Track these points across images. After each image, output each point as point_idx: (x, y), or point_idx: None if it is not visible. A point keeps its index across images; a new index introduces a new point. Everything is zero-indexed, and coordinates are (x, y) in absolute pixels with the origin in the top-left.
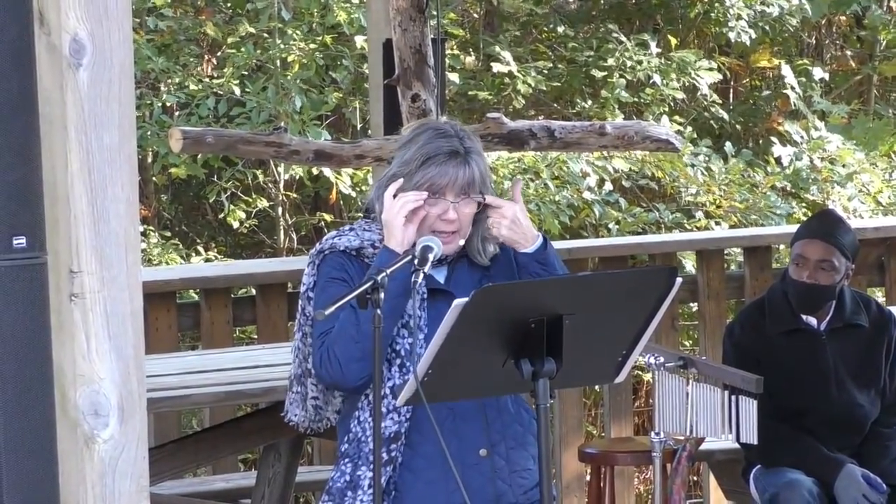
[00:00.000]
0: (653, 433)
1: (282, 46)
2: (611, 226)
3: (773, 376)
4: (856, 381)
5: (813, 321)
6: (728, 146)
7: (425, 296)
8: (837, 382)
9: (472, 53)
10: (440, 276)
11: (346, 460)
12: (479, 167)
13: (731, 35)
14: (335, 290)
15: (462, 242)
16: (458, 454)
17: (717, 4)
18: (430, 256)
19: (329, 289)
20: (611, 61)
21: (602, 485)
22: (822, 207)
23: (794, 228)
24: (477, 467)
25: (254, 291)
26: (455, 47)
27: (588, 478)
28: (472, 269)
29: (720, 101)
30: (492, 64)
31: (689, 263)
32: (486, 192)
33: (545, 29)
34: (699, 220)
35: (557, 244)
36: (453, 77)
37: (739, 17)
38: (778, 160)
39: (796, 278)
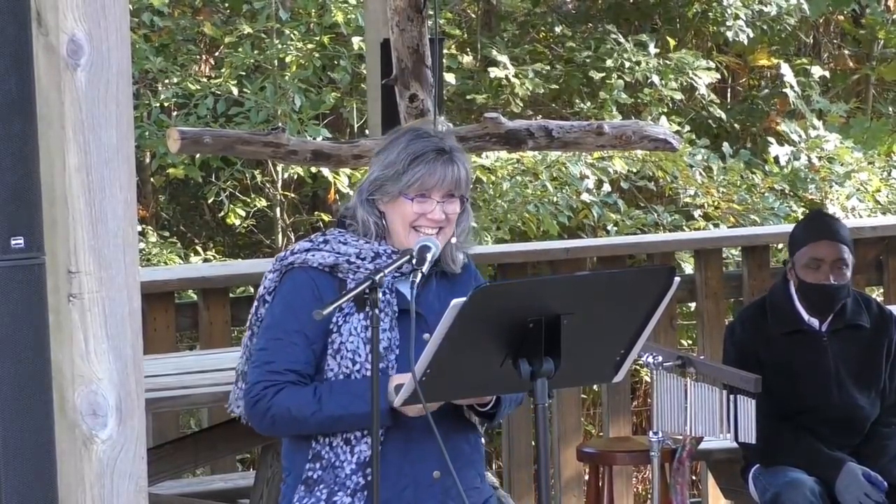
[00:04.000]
0: (651, 432)
1: (280, 46)
2: (609, 227)
3: (773, 376)
4: (856, 382)
5: (815, 322)
6: (726, 146)
7: (396, 315)
8: (838, 383)
9: (469, 53)
10: (409, 292)
11: (322, 486)
12: (464, 166)
13: (729, 34)
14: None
15: (451, 240)
16: (414, 477)
17: (714, 4)
18: (428, 256)
19: (285, 319)
20: (609, 62)
21: (600, 484)
22: (818, 208)
23: (791, 227)
24: (430, 489)
25: (252, 291)
26: (453, 47)
27: (586, 477)
28: (440, 287)
29: (718, 101)
30: (489, 69)
31: (689, 267)
32: (467, 194)
33: (543, 29)
34: (697, 221)
35: (556, 243)
36: (451, 77)
37: (737, 17)
38: (776, 160)
39: (814, 281)
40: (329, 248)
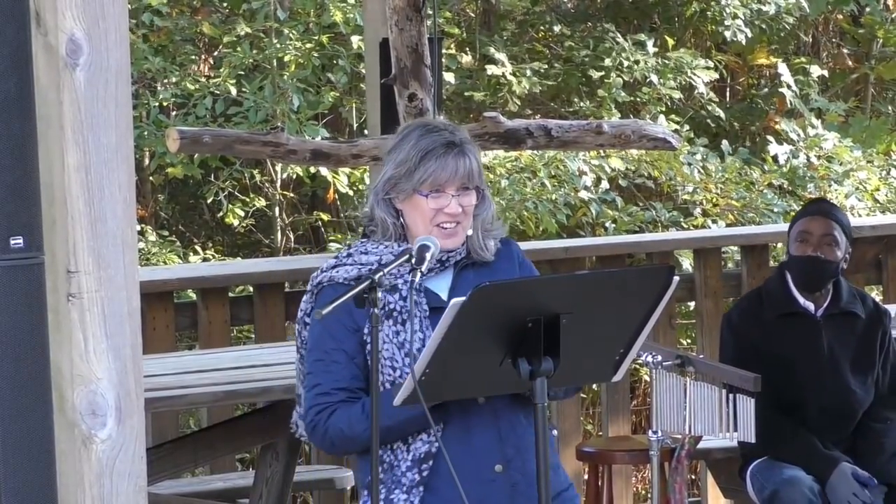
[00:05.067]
0: (650, 432)
1: (278, 46)
2: (608, 225)
3: (770, 362)
4: (850, 367)
5: (810, 306)
6: (725, 144)
7: (427, 314)
8: (832, 367)
9: (468, 53)
10: (443, 287)
11: (381, 487)
12: (475, 157)
13: (728, 34)
14: (328, 345)
15: (469, 233)
16: (474, 471)
17: (713, 3)
18: (428, 256)
19: (323, 339)
20: (608, 61)
21: (600, 483)
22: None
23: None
24: (493, 484)
25: (251, 291)
26: (452, 46)
27: (586, 477)
28: (479, 276)
29: (717, 100)
30: (487, 66)
31: (687, 262)
32: (482, 185)
33: (542, 28)
34: (696, 218)
35: (555, 243)
36: (450, 76)
37: (736, 16)
38: (774, 158)
39: (800, 254)
40: (352, 262)
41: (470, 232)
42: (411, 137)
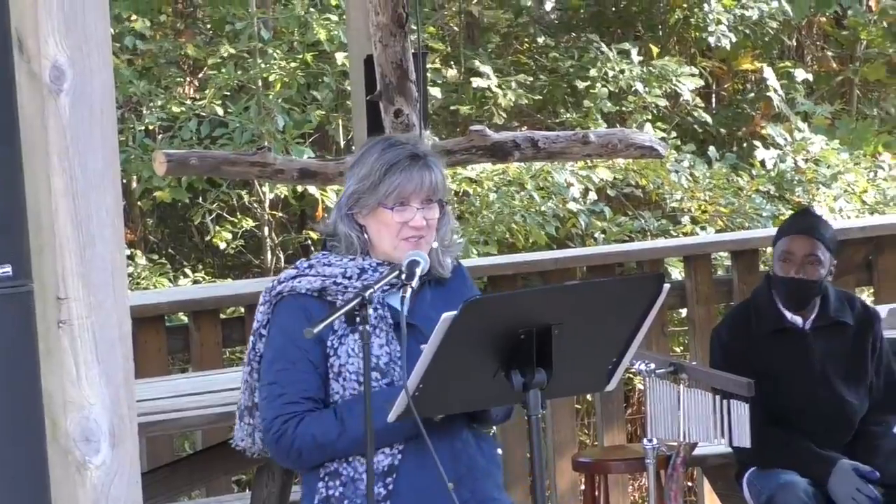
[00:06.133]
0: (646, 440)
1: (263, 66)
2: (597, 235)
3: (761, 377)
4: (843, 378)
5: (798, 320)
6: (712, 150)
7: (391, 329)
8: (824, 380)
9: (453, 66)
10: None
11: (346, 502)
12: (440, 170)
13: (712, 40)
14: (292, 354)
15: (434, 246)
16: (429, 487)
17: (696, 10)
18: (418, 271)
19: (287, 349)
20: (592, 71)
21: (597, 493)
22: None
23: None
24: (446, 501)
25: (243, 312)
26: (437, 61)
27: (583, 487)
28: (434, 295)
29: (703, 106)
30: (472, 80)
31: (676, 271)
32: (445, 198)
33: (526, 40)
34: (685, 225)
35: (544, 254)
36: (435, 91)
37: (719, 22)
38: (762, 163)
39: (783, 275)
40: (315, 273)
41: (435, 244)
42: (373, 152)
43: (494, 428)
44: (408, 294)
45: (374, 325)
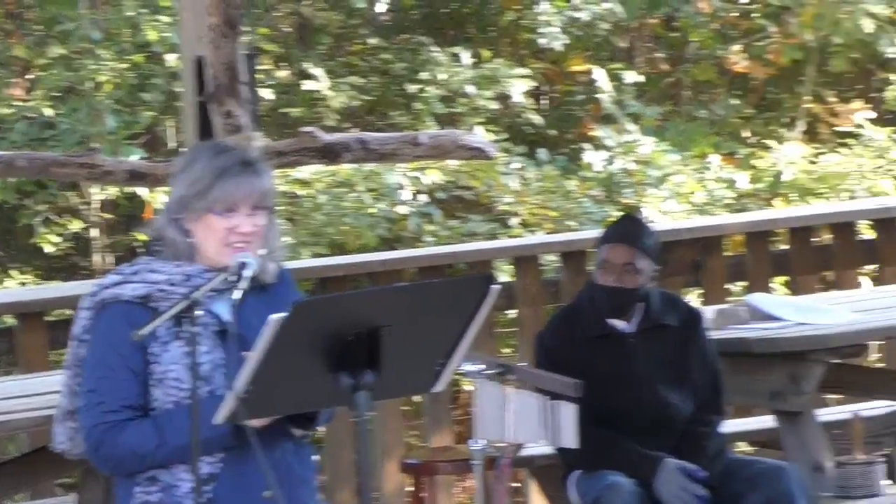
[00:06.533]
0: (472, 441)
1: (93, 67)
2: (427, 238)
3: (585, 381)
4: (667, 381)
5: (621, 324)
6: (542, 152)
7: (215, 335)
8: (648, 383)
9: (285, 68)
10: (225, 309)
11: None
12: (269, 178)
13: (543, 42)
14: (114, 362)
15: (261, 253)
16: (247, 495)
17: (527, 11)
18: (247, 273)
19: (108, 356)
20: (424, 74)
21: (423, 495)
22: (632, 211)
23: None
24: None
25: (69, 314)
26: (268, 62)
27: (410, 488)
28: (257, 301)
29: (534, 108)
30: (303, 82)
31: (505, 276)
32: (272, 206)
33: (358, 41)
34: (514, 229)
35: (373, 255)
36: (266, 92)
37: (550, 24)
38: (591, 165)
39: (602, 283)
40: (139, 279)
41: (263, 252)
42: (202, 157)
43: (319, 429)
44: (237, 296)
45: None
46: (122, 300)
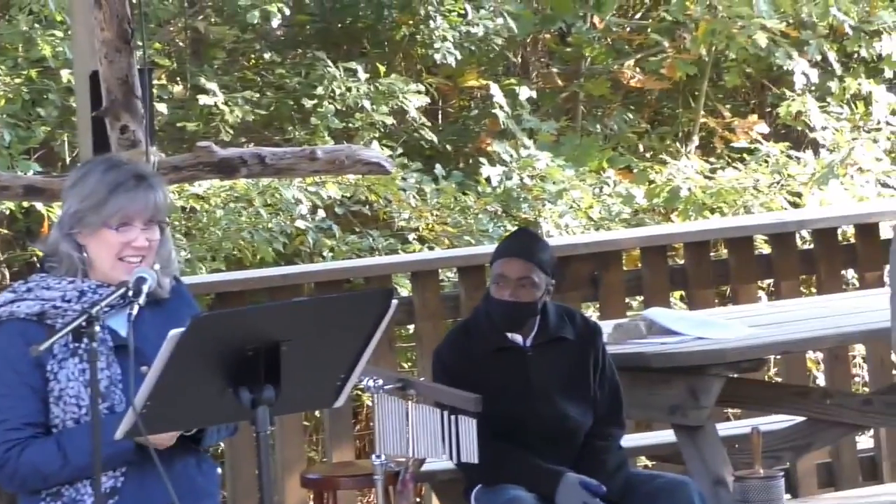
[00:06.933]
0: (374, 456)
1: None
2: (326, 253)
3: (483, 395)
4: (564, 394)
5: (518, 338)
6: (438, 168)
7: (112, 351)
8: (545, 397)
9: (179, 83)
10: (122, 325)
11: None
12: (163, 192)
13: (437, 57)
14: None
15: (155, 266)
16: None
17: (422, 27)
18: (145, 288)
19: (6, 375)
20: (319, 89)
21: None
22: (529, 226)
23: None
24: None
25: None
26: (163, 77)
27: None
28: (154, 316)
29: (430, 124)
30: (199, 96)
31: (405, 291)
32: (166, 220)
33: (252, 56)
34: (413, 245)
35: (272, 270)
36: (162, 107)
37: (445, 39)
38: (487, 180)
39: (498, 297)
40: (33, 296)
41: (158, 267)
42: (95, 172)
43: (221, 444)
44: (135, 311)
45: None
46: (17, 318)
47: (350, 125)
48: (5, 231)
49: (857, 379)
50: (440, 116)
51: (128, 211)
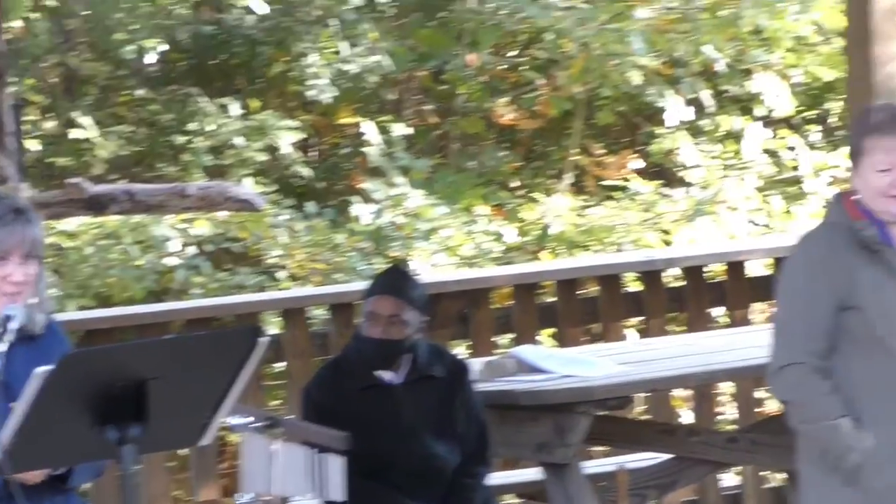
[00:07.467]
0: (239, 495)
1: None
2: (195, 290)
3: (353, 433)
4: (433, 432)
5: (388, 375)
6: (310, 205)
7: None
8: (414, 434)
9: (51, 119)
10: None
11: None
12: (40, 227)
13: (311, 93)
14: None
15: (34, 301)
16: None
17: (296, 63)
18: (13, 325)
19: None
20: (192, 125)
21: None
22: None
23: None
24: None
25: None
26: (35, 113)
27: None
28: (26, 352)
29: (303, 160)
30: (70, 130)
31: (274, 329)
32: (42, 255)
33: (125, 92)
34: (283, 282)
35: (142, 308)
36: (33, 143)
37: (319, 76)
38: (358, 218)
39: (369, 335)
40: None
41: (35, 300)
42: None
43: (86, 484)
44: (4, 348)
45: None
46: None
47: (222, 162)
48: None
49: (725, 416)
50: (313, 153)
51: (5, 245)
